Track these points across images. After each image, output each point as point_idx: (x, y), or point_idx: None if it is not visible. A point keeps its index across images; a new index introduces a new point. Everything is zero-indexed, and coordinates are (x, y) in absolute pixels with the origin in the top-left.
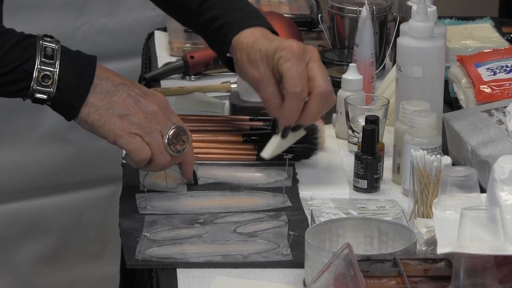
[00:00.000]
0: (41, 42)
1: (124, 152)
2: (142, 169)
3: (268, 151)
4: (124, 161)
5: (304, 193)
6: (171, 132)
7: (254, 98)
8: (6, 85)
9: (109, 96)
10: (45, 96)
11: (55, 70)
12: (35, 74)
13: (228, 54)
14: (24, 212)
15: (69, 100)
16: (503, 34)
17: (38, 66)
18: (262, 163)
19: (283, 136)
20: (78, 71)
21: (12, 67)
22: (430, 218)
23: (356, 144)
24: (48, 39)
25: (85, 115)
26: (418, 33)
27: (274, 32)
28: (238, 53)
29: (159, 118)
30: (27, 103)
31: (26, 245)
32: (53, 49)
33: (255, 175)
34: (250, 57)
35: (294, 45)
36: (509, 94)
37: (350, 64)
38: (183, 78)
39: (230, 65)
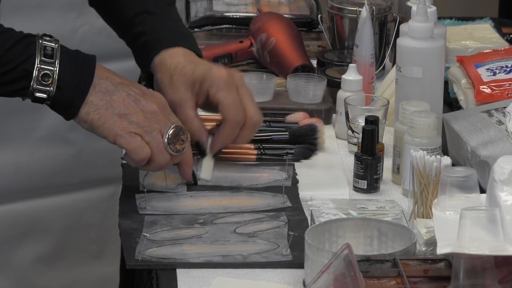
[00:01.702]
0: (40, 41)
1: (123, 151)
2: (141, 168)
3: (208, 172)
4: (123, 161)
5: (304, 193)
6: (171, 132)
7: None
8: (5, 84)
9: (109, 95)
10: (45, 95)
11: (55, 69)
12: (35, 73)
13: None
14: (23, 212)
15: (68, 99)
16: (503, 35)
17: (38, 65)
18: (261, 163)
19: (215, 156)
20: (78, 70)
21: (12, 66)
22: (430, 218)
23: (356, 145)
24: (48, 38)
25: (84, 115)
26: (418, 34)
27: (199, 55)
28: (159, 74)
29: (158, 117)
30: (26, 103)
31: (26, 246)
32: (52, 48)
33: (255, 176)
34: (173, 80)
35: (223, 72)
36: (509, 95)
37: (350, 65)
38: None
39: (151, 82)
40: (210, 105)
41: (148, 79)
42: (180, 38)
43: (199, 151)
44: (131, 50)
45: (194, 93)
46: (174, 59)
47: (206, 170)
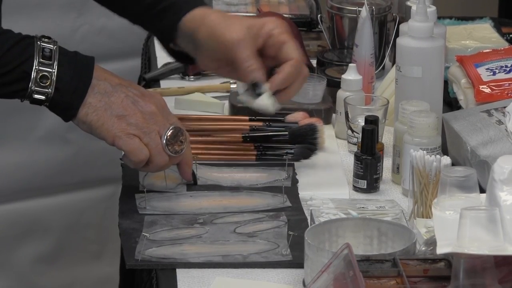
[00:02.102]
0: (39, 43)
1: (122, 152)
2: (140, 169)
3: (272, 106)
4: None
5: (304, 193)
6: (169, 133)
7: None
8: (3, 86)
9: (107, 96)
10: (43, 97)
11: (53, 70)
12: (33, 75)
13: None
14: (23, 212)
15: (67, 100)
16: (502, 35)
17: (36, 67)
18: (261, 163)
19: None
20: (76, 72)
21: (10, 68)
22: (430, 218)
23: (355, 144)
24: (46, 39)
25: (83, 116)
26: (417, 33)
27: None
28: (208, 18)
29: (157, 118)
30: (25, 103)
31: (26, 246)
32: (51, 49)
33: (255, 175)
34: (229, 21)
35: (281, 21)
36: (509, 94)
37: (350, 64)
38: (182, 78)
39: (174, 53)
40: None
41: (169, 49)
42: (206, 3)
43: (254, 91)
44: (140, 25)
45: (252, 35)
46: (215, 12)
47: (268, 105)
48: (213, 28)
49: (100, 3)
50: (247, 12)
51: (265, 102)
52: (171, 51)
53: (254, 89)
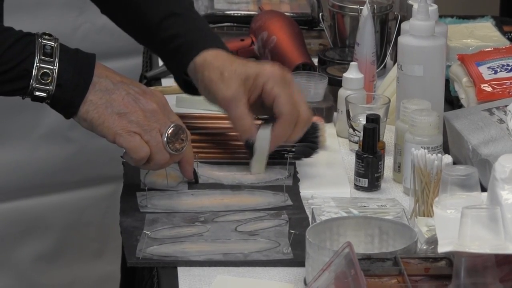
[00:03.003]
0: (40, 40)
1: (123, 150)
2: (141, 167)
3: (261, 168)
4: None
5: (305, 191)
6: (170, 131)
7: None
8: (5, 83)
9: (108, 94)
10: (44, 94)
11: (54, 68)
12: (34, 72)
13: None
14: (24, 210)
15: (68, 97)
16: (504, 33)
17: (37, 64)
18: None
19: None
20: (77, 69)
21: (11, 65)
22: (431, 217)
23: (357, 143)
24: (47, 37)
25: (84, 113)
26: (419, 32)
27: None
28: (206, 72)
29: (158, 116)
30: (27, 101)
31: (27, 244)
32: (52, 47)
33: (256, 174)
34: (224, 77)
35: (276, 69)
36: (510, 93)
37: (351, 63)
38: None
39: (186, 86)
40: (258, 104)
41: (183, 84)
42: (214, 39)
43: (248, 149)
44: (158, 56)
45: (246, 89)
46: (219, 58)
47: (259, 166)
48: (209, 83)
49: (122, 29)
50: (248, 10)
51: (256, 163)
52: (182, 84)
53: (248, 148)
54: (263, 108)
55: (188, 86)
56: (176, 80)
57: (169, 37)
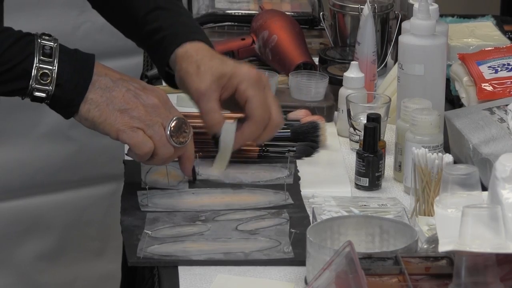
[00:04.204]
0: (39, 40)
1: (126, 150)
2: (145, 163)
3: (222, 167)
4: (126, 158)
5: (306, 190)
6: (173, 124)
7: None
8: (4, 84)
9: (109, 91)
10: (44, 95)
11: (54, 68)
12: (33, 72)
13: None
14: (25, 209)
15: (68, 97)
16: (504, 32)
17: (37, 65)
18: (263, 161)
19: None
20: (77, 69)
21: (10, 65)
22: (432, 216)
23: (357, 142)
24: (47, 37)
25: (85, 112)
26: (419, 31)
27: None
28: (184, 63)
29: (159, 110)
30: (27, 100)
31: (28, 243)
32: (51, 47)
33: (257, 173)
34: (200, 71)
35: (253, 71)
36: (511, 92)
37: (352, 62)
38: None
39: (169, 80)
40: (231, 102)
41: (166, 77)
42: (197, 32)
43: (215, 144)
44: (143, 49)
45: (220, 86)
46: (200, 52)
47: (221, 164)
48: (184, 74)
49: (110, 23)
50: (249, 10)
51: (218, 160)
52: (166, 77)
53: (215, 142)
54: (237, 107)
55: (171, 79)
56: (160, 72)
57: (153, 29)
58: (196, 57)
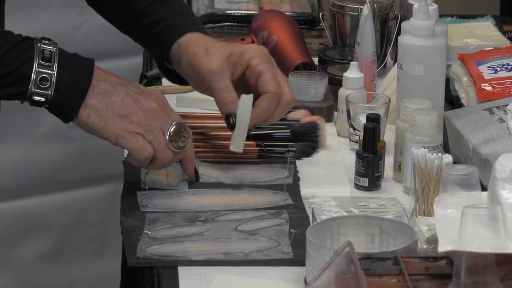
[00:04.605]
0: (39, 44)
1: (126, 151)
2: (145, 167)
3: (240, 145)
4: (125, 159)
5: (305, 191)
6: (172, 129)
7: None
8: (3, 88)
9: (108, 96)
10: (43, 99)
11: (53, 72)
12: (33, 76)
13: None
14: (25, 210)
15: (67, 102)
16: (504, 33)
17: (36, 69)
18: (263, 161)
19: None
20: (76, 74)
21: (10, 69)
22: (431, 216)
23: (357, 142)
24: (46, 41)
25: (85, 117)
26: (419, 31)
27: None
28: (191, 48)
29: (159, 115)
30: (23, 103)
31: (27, 243)
32: (51, 51)
33: (256, 173)
34: (209, 51)
35: (261, 48)
36: (510, 92)
37: (352, 62)
38: None
39: (168, 74)
40: (241, 82)
41: (165, 72)
42: (198, 24)
43: (228, 124)
44: (140, 44)
45: (231, 64)
46: (204, 38)
47: (239, 142)
48: (193, 58)
49: (107, 19)
50: (249, 10)
51: (235, 138)
52: (165, 71)
53: (229, 121)
54: (246, 88)
55: (170, 74)
56: (159, 66)
57: (152, 22)
58: (202, 42)
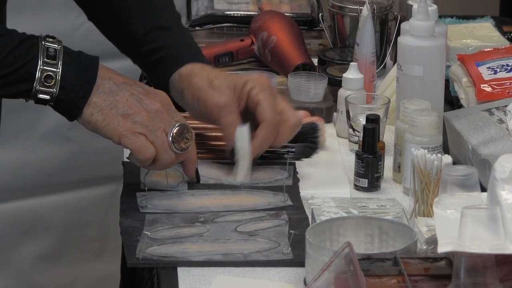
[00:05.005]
0: (43, 42)
1: (126, 151)
2: (146, 168)
3: (246, 174)
4: (125, 160)
5: (305, 192)
6: (175, 130)
7: None
8: (8, 86)
9: (112, 95)
10: (48, 97)
11: (58, 70)
12: (37, 74)
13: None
14: (25, 210)
15: (71, 100)
16: (503, 33)
17: (41, 67)
18: (262, 162)
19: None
20: (81, 71)
21: (15, 68)
22: (431, 217)
23: (356, 143)
24: (51, 39)
25: (88, 116)
26: (419, 32)
27: None
28: (195, 79)
29: (162, 116)
30: (29, 102)
31: (27, 244)
32: (55, 49)
33: (256, 174)
34: (214, 84)
35: (262, 77)
36: (510, 93)
37: (351, 63)
38: None
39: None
40: (245, 113)
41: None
42: (199, 54)
43: (231, 157)
44: (139, 67)
45: (236, 97)
46: (205, 69)
47: (243, 173)
48: (198, 91)
49: (107, 38)
50: (248, 11)
51: (240, 169)
52: None
53: (232, 155)
54: (246, 117)
55: None
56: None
57: (153, 49)
58: (205, 73)
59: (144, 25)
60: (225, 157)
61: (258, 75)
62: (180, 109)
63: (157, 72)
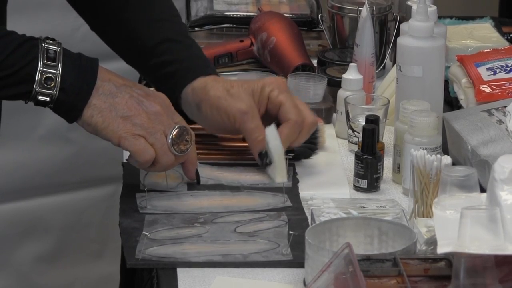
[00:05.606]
0: (43, 44)
1: (125, 152)
2: (146, 169)
3: (284, 174)
4: (124, 161)
5: (304, 193)
6: (175, 132)
7: None
8: (8, 88)
9: (112, 97)
10: (48, 99)
11: (58, 72)
12: (37, 76)
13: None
14: (24, 211)
15: (71, 102)
16: (503, 34)
17: (41, 69)
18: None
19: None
20: (81, 73)
21: (14, 69)
22: (430, 217)
23: (356, 144)
24: (50, 41)
25: (88, 118)
26: (418, 33)
27: None
28: (212, 91)
29: (162, 118)
30: (28, 103)
31: (26, 245)
32: (55, 51)
33: (256, 175)
34: (232, 92)
35: (278, 78)
36: (509, 94)
37: (350, 64)
38: None
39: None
40: (265, 115)
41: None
42: (209, 66)
43: (262, 161)
44: (146, 79)
45: (256, 102)
46: (219, 80)
47: (281, 172)
48: (217, 101)
49: (112, 49)
50: (247, 12)
51: (277, 170)
52: None
53: (262, 158)
54: (266, 120)
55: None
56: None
57: (163, 62)
58: (220, 84)
59: (153, 37)
60: (246, 163)
61: (274, 78)
62: (189, 121)
63: (167, 85)
